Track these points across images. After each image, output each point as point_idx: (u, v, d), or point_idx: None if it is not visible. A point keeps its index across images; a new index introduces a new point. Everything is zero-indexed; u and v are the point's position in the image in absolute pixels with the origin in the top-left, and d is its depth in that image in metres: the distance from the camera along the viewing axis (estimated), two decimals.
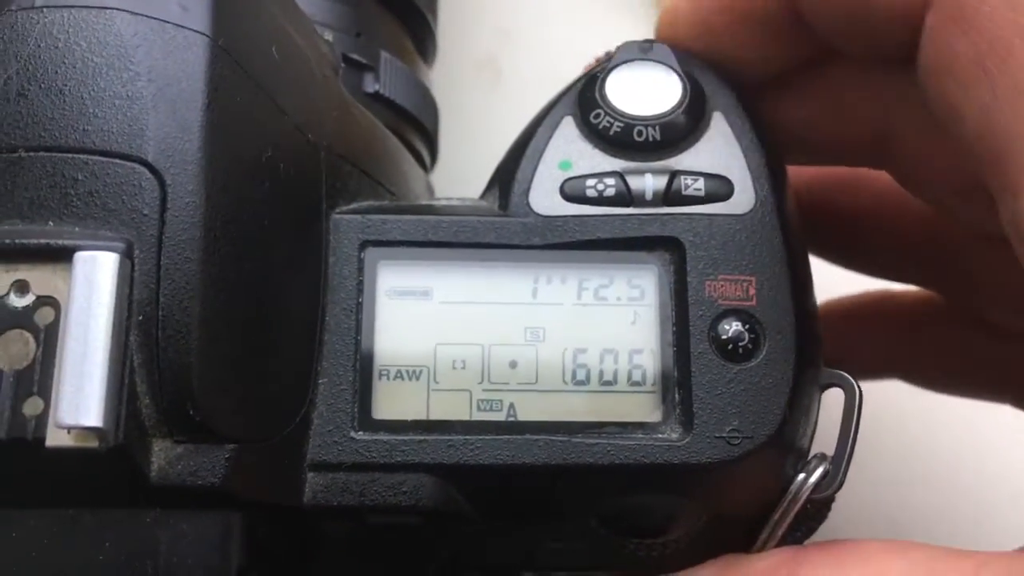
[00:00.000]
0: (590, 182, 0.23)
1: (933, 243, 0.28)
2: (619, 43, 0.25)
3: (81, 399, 0.18)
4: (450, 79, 0.36)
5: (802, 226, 0.24)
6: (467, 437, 0.22)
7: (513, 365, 0.22)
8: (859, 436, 0.23)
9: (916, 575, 0.19)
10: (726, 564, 0.22)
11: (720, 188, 0.23)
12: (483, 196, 0.25)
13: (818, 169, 0.28)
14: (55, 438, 0.18)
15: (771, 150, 0.24)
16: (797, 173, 0.26)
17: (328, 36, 0.27)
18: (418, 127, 0.30)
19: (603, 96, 0.24)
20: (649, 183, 0.23)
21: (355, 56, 0.27)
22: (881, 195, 0.28)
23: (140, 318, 0.19)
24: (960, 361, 0.30)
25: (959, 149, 0.21)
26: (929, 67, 0.21)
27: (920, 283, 0.30)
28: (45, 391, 0.18)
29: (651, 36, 0.25)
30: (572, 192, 0.23)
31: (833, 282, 0.30)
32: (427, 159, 0.31)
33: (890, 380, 0.31)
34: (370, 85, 0.28)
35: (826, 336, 0.29)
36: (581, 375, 0.22)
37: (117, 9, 0.20)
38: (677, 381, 0.22)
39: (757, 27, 0.23)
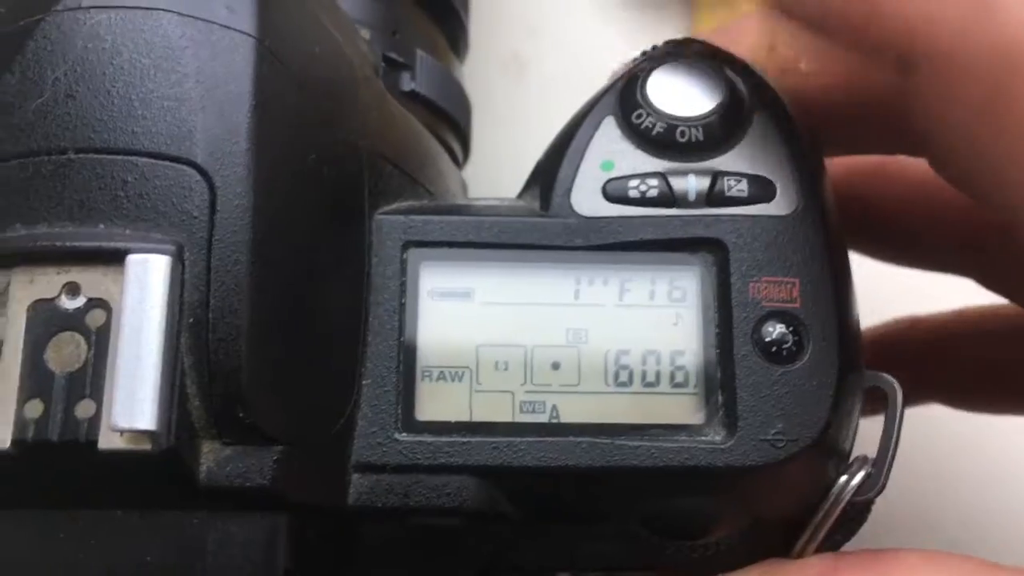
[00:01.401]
0: (633, 183, 0.23)
1: (971, 229, 0.27)
2: (638, 49, 0.25)
3: (134, 402, 0.18)
4: (476, 75, 0.36)
5: (843, 228, 0.24)
6: (510, 439, 0.22)
7: (555, 366, 0.22)
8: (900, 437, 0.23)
9: None
10: (768, 569, 0.22)
11: (763, 189, 0.23)
12: (521, 196, 0.25)
13: (853, 158, 0.28)
14: (108, 441, 0.18)
15: (813, 151, 0.24)
16: (831, 164, 0.26)
17: (365, 34, 0.27)
18: (453, 125, 0.30)
19: (644, 96, 0.24)
20: (692, 184, 0.23)
21: (391, 55, 0.27)
22: (918, 183, 0.28)
23: (191, 320, 0.19)
24: (996, 376, 0.30)
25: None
26: (921, 105, 0.21)
27: (956, 270, 0.29)
28: (97, 394, 0.18)
29: (679, 34, 0.25)
30: (615, 193, 0.23)
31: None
32: (460, 156, 0.31)
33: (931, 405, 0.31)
34: (407, 84, 0.28)
35: None
36: (624, 376, 0.22)
37: (164, 10, 0.20)
38: (720, 383, 0.22)
39: None
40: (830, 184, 0.24)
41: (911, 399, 0.30)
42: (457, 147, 0.30)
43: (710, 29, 0.35)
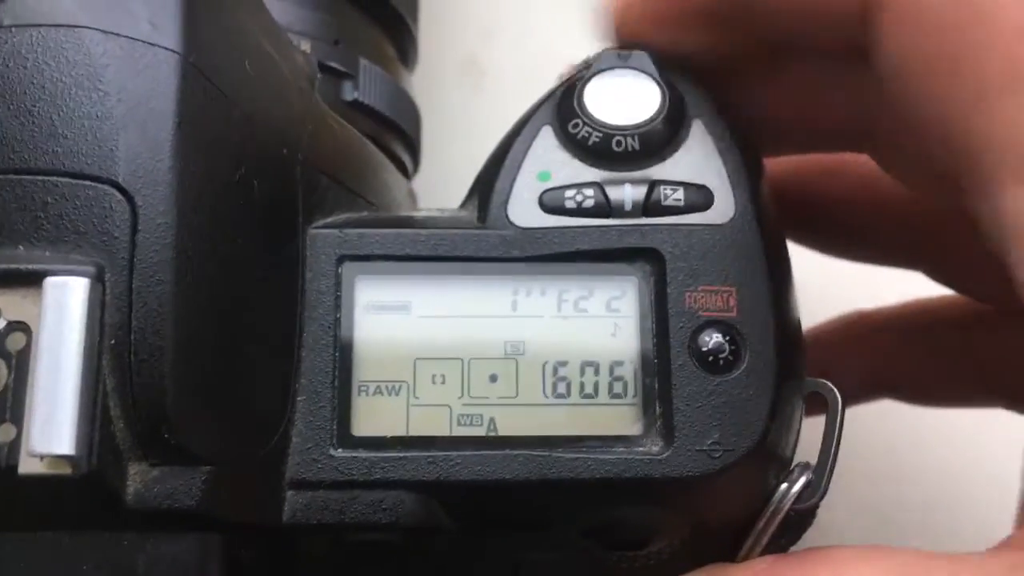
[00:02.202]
0: (569, 193, 0.23)
1: (917, 223, 0.27)
2: (595, 51, 0.25)
3: (53, 426, 0.17)
4: (432, 80, 0.36)
5: (783, 234, 0.24)
6: (447, 453, 0.21)
7: (493, 379, 0.22)
8: (849, 433, 0.23)
9: None
10: (708, 574, 0.22)
11: (699, 198, 0.23)
12: (463, 206, 0.25)
13: (798, 157, 0.28)
14: (28, 466, 0.18)
15: (751, 158, 0.24)
16: (776, 161, 0.26)
17: (305, 46, 0.27)
18: (399, 134, 0.29)
19: (581, 105, 0.23)
20: (628, 193, 0.23)
21: (333, 64, 0.27)
22: (863, 178, 0.28)
23: (112, 342, 0.19)
24: (947, 368, 0.30)
25: (931, 141, 0.21)
26: (887, 68, 0.21)
27: (905, 264, 0.29)
28: (18, 418, 0.18)
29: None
30: (551, 203, 0.23)
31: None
32: (409, 166, 0.31)
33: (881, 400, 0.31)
34: (349, 93, 0.28)
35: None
36: (561, 388, 0.22)
37: (86, 27, 0.20)
38: (658, 394, 0.22)
39: (702, 17, 0.23)
40: (768, 190, 0.24)
41: (862, 395, 0.31)
42: (405, 157, 0.30)
43: None
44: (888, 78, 0.21)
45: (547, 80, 0.25)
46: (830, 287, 0.31)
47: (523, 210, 0.23)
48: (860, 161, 0.26)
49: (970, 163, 0.20)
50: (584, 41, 0.25)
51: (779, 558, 0.22)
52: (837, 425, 0.23)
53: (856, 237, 0.29)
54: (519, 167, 0.23)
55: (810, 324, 0.31)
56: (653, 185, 0.23)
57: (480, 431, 0.22)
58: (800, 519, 0.23)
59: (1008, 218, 0.19)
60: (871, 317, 0.31)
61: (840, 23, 0.21)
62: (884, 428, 0.34)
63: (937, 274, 0.29)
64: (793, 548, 0.24)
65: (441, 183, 0.33)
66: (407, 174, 0.31)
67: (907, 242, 0.28)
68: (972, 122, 0.20)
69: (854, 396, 0.30)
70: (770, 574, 0.21)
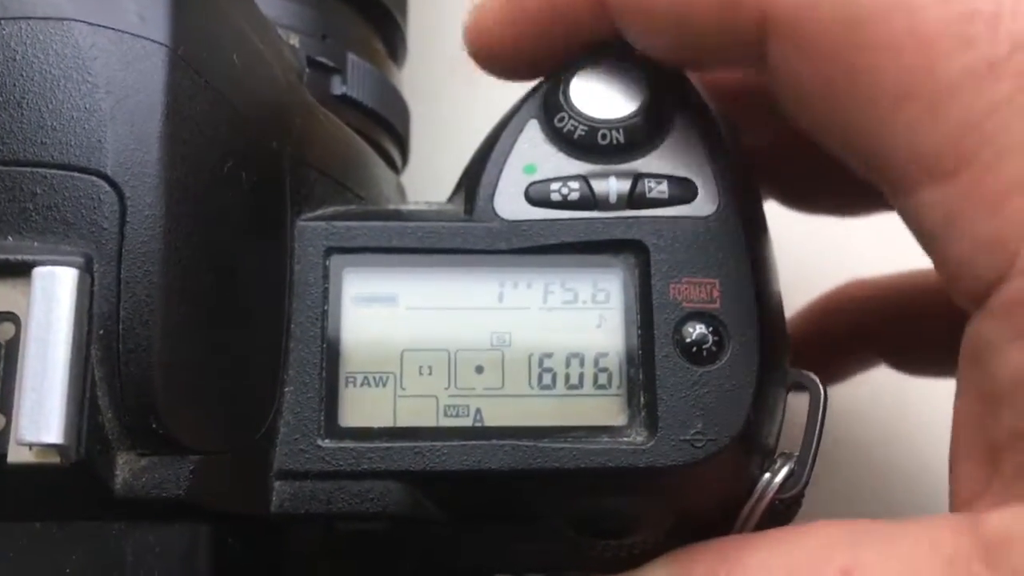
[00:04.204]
0: (554, 186, 0.23)
1: None
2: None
3: (41, 415, 0.18)
4: (422, 75, 0.36)
5: (767, 226, 0.24)
6: (434, 443, 0.22)
7: (479, 370, 0.22)
8: (833, 429, 0.23)
9: (825, 547, 0.20)
10: (674, 557, 0.22)
11: (684, 190, 0.23)
12: (450, 200, 0.25)
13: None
14: (17, 454, 0.18)
15: (735, 151, 0.24)
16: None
17: (293, 40, 0.27)
18: (388, 128, 0.30)
19: (567, 99, 0.24)
20: (613, 186, 0.23)
21: (321, 59, 0.27)
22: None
23: (101, 332, 0.19)
24: (937, 337, 0.30)
25: (838, 152, 0.22)
26: (779, 86, 0.22)
27: (881, 207, 0.30)
28: (7, 407, 0.18)
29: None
30: (537, 196, 0.23)
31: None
32: (398, 160, 0.31)
33: (878, 368, 0.31)
34: (337, 87, 0.28)
35: (809, 339, 0.29)
36: (547, 379, 0.22)
37: (74, 20, 0.20)
38: (642, 384, 0.22)
39: (567, 28, 0.23)
40: (754, 182, 0.24)
41: (859, 362, 0.31)
42: (394, 151, 0.30)
43: None
44: (786, 98, 0.22)
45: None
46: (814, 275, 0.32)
47: (509, 203, 0.23)
48: None
49: (879, 170, 0.21)
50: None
51: (746, 536, 0.22)
52: (820, 415, 0.23)
53: (832, 187, 0.30)
54: (505, 160, 0.24)
55: (797, 305, 0.31)
56: (637, 178, 0.23)
57: (466, 422, 0.22)
58: (785, 508, 0.24)
59: (924, 218, 0.20)
60: (866, 283, 0.31)
61: (733, 47, 0.22)
62: (871, 419, 0.35)
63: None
64: None
65: (430, 177, 0.33)
66: (396, 168, 0.31)
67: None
68: (874, 135, 0.20)
69: (850, 363, 0.31)
70: (739, 549, 0.21)
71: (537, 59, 0.24)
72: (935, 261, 0.21)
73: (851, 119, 0.21)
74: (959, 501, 0.21)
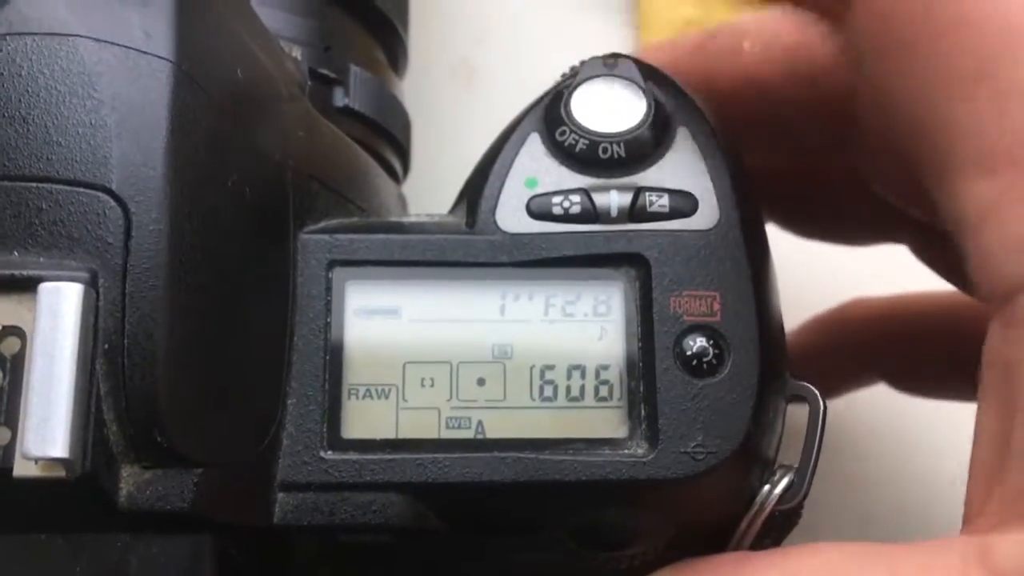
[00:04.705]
0: (556, 199, 0.23)
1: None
2: (588, 54, 0.25)
3: (47, 430, 0.18)
4: (423, 85, 0.36)
5: (767, 240, 0.24)
6: (436, 455, 0.22)
7: (481, 382, 0.23)
8: (833, 436, 0.23)
9: (827, 573, 0.20)
10: (674, 572, 0.22)
11: (685, 204, 0.23)
12: (452, 211, 0.25)
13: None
14: (22, 468, 0.18)
15: (736, 165, 0.24)
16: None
17: (296, 52, 0.27)
18: (389, 139, 0.30)
19: (568, 113, 0.24)
20: (614, 200, 0.23)
21: (323, 71, 0.27)
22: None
23: (106, 347, 0.19)
24: (936, 360, 0.31)
25: (898, 127, 0.22)
26: (854, 46, 0.21)
27: (890, 238, 0.30)
28: (12, 421, 0.18)
29: (627, 38, 0.26)
30: (538, 209, 0.23)
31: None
32: (399, 170, 0.31)
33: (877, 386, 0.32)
34: (340, 99, 0.28)
35: (808, 355, 0.29)
36: (548, 391, 0.23)
37: (80, 36, 0.20)
38: (643, 397, 0.22)
39: None
40: (754, 196, 0.24)
41: (858, 380, 0.31)
42: (395, 161, 0.31)
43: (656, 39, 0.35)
44: (859, 60, 0.21)
45: (537, 85, 0.25)
46: (816, 291, 0.32)
47: (511, 216, 0.23)
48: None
49: (934, 151, 0.21)
50: (573, 44, 0.26)
51: (747, 554, 0.22)
52: (819, 427, 0.23)
53: (838, 218, 0.30)
54: (507, 173, 0.24)
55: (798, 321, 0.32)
56: (639, 192, 0.23)
57: (468, 434, 0.22)
58: (784, 520, 0.24)
59: (967, 209, 0.20)
60: (866, 302, 0.31)
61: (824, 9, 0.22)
62: (869, 430, 0.35)
63: (919, 250, 0.29)
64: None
65: (431, 188, 0.33)
66: (397, 179, 0.31)
67: (889, 217, 0.29)
68: (939, 112, 0.20)
69: (849, 380, 0.31)
70: (737, 568, 0.21)
71: None
72: (965, 252, 0.20)
73: (920, 94, 0.20)
74: (968, 514, 0.21)
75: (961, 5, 0.20)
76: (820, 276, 0.31)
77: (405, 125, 0.31)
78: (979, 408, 0.21)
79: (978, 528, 0.20)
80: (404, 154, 0.31)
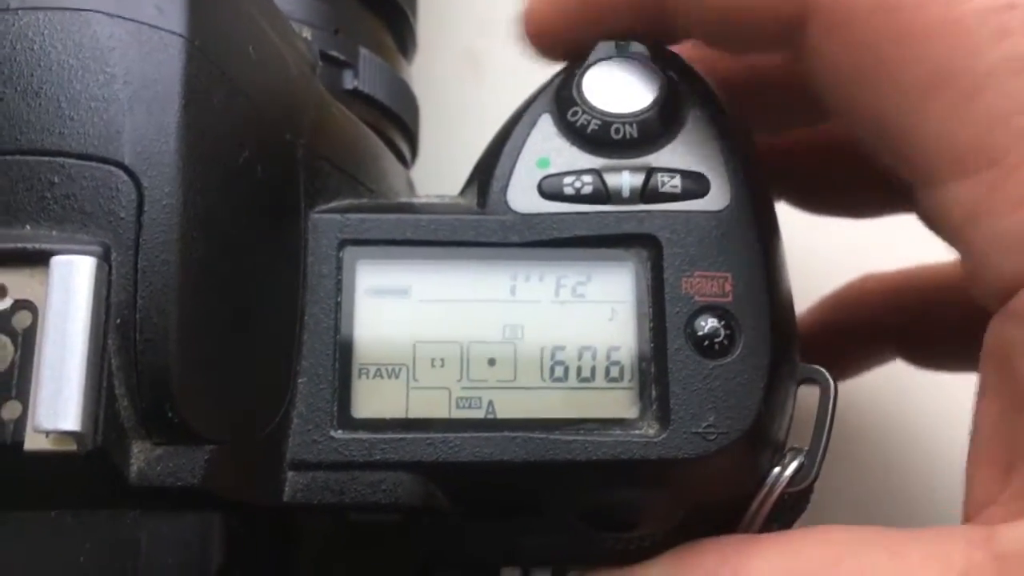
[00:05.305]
0: (568, 180, 0.23)
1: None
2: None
3: (59, 403, 0.18)
4: (431, 70, 0.36)
5: (777, 221, 0.24)
6: (446, 435, 0.22)
7: (492, 362, 0.22)
8: (840, 425, 0.23)
9: (831, 556, 0.20)
10: (680, 553, 0.22)
11: (696, 185, 0.23)
12: (462, 193, 0.25)
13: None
14: (34, 442, 0.18)
15: (747, 147, 0.24)
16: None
17: (306, 33, 0.27)
18: (398, 123, 0.30)
19: (580, 94, 0.24)
20: (626, 180, 0.23)
21: (333, 53, 0.27)
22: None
23: (118, 321, 0.19)
24: (951, 332, 0.30)
25: (868, 141, 0.22)
26: (815, 71, 0.22)
27: (897, 209, 0.30)
28: (24, 395, 0.18)
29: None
30: (550, 190, 0.23)
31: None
32: (407, 155, 0.31)
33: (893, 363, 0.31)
34: (349, 82, 0.28)
35: (824, 334, 0.29)
36: (559, 372, 0.23)
37: (93, 11, 0.20)
38: (654, 377, 0.22)
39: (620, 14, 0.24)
40: (764, 177, 0.24)
41: (876, 357, 0.31)
42: (404, 145, 0.31)
43: None
44: (821, 84, 0.22)
45: (545, 70, 0.25)
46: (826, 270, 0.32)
47: (522, 196, 0.23)
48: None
49: (907, 161, 0.21)
50: None
51: (752, 536, 0.22)
52: (829, 409, 0.23)
53: (847, 190, 0.30)
54: (518, 154, 0.24)
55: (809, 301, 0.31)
56: (650, 172, 0.23)
57: (479, 414, 0.22)
58: (795, 503, 0.24)
59: (950, 211, 0.20)
60: (880, 277, 0.31)
61: (768, 31, 0.22)
62: (879, 414, 0.35)
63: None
64: None
65: (439, 172, 0.33)
66: (405, 163, 0.31)
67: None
68: (905, 124, 0.20)
69: (867, 357, 0.31)
70: (742, 550, 0.21)
71: (584, 37, 0.24)
72: (960, 254, 0.21)
73: (883, 106, 0.20)
74: (973, 505, 0.21)
75: (911, 14, 0.20)
76: (830, 254, 0.31)
77: (414, 109, 0.31)
78: (979, 399, 0.21)
79: (986, 519, 0.20)
80: (412, 138, 0.31)
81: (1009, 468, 0.20)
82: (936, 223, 0.21)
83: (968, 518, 0.21)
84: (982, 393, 0.21)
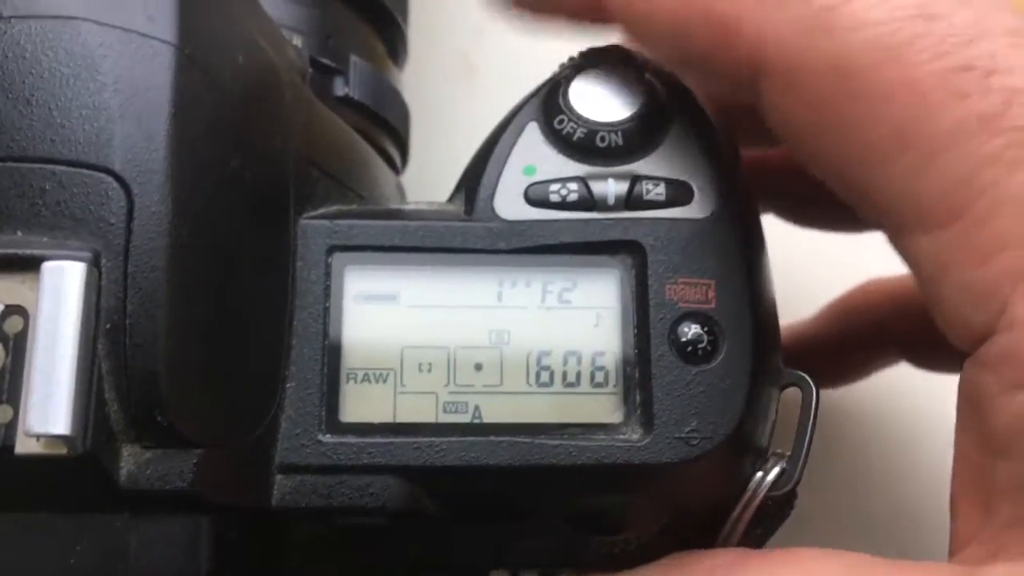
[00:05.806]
0: (553, 187, 0.24)
1: None
2: (586, 46, 0.25)
3: (49, 407, 0.18)
4: (423, 77, 0.36)
5: (761, 228, 0.25)
6: (433, 439, 0.22)
7: (478, 367, 0.23)
8: (828, 432, 0.24)
9: None
10: (670, 564, 0.22)
11: (680, 193, 0.23)
12: (450, 200, 0.25)
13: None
14: (24, 446, 0.18)
15: (731, 155, 0.24)
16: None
17: (297, 41, 0.27)
18: (388, 130, 0.30)
19: (566, 102, 0.24)
20: (611, 188, 0.23)
21: (324, 60, 0.28)
22: None
23: (108, 326, 0.19)
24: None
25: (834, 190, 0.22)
26: (775, 124, 0.22)
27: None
28: (15, 399, 0.18)
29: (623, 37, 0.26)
30: (536, 197, 0.24)
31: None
32: (398, 161, 0.31)
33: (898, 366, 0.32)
34: (339, 89, 0.28)
35: (829, 339, 0.29)
36: (545, 377, 0.23)
37: (83, 19, 0.20)
38: (638, 383, 0.22)
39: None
40: (748, 186, 0.25)
41: (880, 360, 0.32)
42: (394, 151, 0.31)
43: None
44: (780, 135, 0.22)
45: (536, 77, 0.26)
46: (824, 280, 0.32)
47: (509, 203, 0.24)
48: None
49: (874, 212, 0.21)
50: (572, 39, 0.26)
51: (748, 552, 0.22)
52: (812, 414, 0.23)
53: (835, 205, 0.30)
54: (505, 161, 0.24)
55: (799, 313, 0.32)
56: (635, 180, 0.24)
57: (465, 418, 0.22)
58: (778, 509, 0.24)
59: (918, 263, 0.21)
60: (881, 282, 0.32)
61: (731, 84, 0.22)
62: (866, 421, 0.35)
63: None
64: (770, 540, 0.24)
65: (430, 179, 0.33)
66: (396, 169, 0.31)
67: None
68: (869, 178, 0.21)
69: (871, 361, 0.31)
70: (730, 568, 0.21)
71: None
72: (929, 304, 0.21)
73: (844, 164, 0.21)
74: (957, 540, 0.21)
75: (867, 75, 0.20)
76: (831, 261, 0.31)
77: (404, 116, 0.31)
78: (957, 434, 0.21)
79: (966, 559, 0.20)
80: (403, 145, 0.31)
81: (987, 507, 0.20)
82: (907, 265, 0.21)
83: (953, 552, 0.21)
84: (960, 430, 0.21)
